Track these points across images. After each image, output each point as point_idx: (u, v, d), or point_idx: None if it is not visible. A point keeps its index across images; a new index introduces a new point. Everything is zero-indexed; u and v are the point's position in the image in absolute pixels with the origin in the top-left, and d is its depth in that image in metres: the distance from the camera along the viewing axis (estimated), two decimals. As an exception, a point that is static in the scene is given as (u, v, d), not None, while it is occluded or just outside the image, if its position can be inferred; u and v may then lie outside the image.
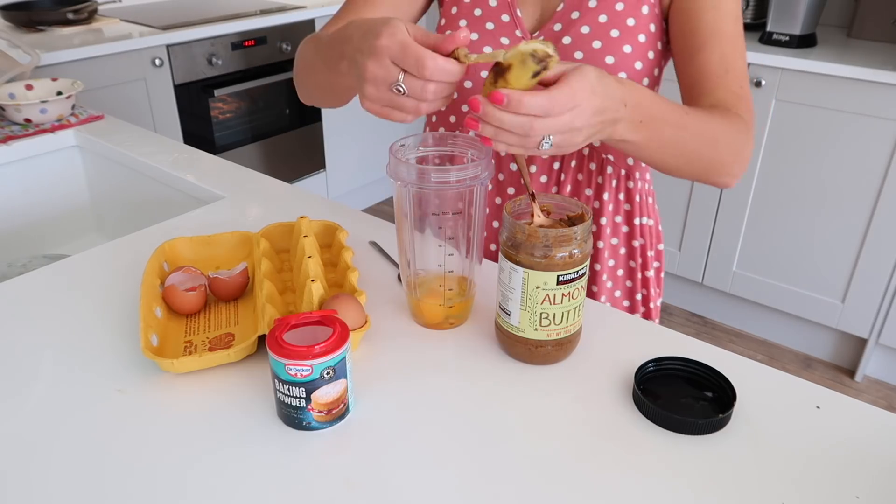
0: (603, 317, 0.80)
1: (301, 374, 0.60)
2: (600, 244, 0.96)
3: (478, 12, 0.90)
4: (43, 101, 1.32)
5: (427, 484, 0.58)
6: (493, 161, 0.72)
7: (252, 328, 0.77)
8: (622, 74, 0.84)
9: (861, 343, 2.19)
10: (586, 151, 0.91)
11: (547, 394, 0.68)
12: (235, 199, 1.08)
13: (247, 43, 2.43)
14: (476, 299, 0.79)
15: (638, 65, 0.84)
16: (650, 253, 0.99)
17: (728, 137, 0.78)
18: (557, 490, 0.57)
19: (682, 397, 0.67)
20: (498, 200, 0.96)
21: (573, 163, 0.92)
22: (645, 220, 0.97)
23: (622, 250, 0.98)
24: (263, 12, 2.49)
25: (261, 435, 0.63)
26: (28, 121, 1.33)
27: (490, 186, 0.96)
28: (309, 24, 2.59)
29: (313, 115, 2.77)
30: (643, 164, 0.93)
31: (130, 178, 1.28)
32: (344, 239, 0.88)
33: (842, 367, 2.28)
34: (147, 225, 1.01)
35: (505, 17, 0.89)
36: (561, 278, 0.66)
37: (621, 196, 0.94)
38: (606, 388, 0.68)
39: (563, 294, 0.67)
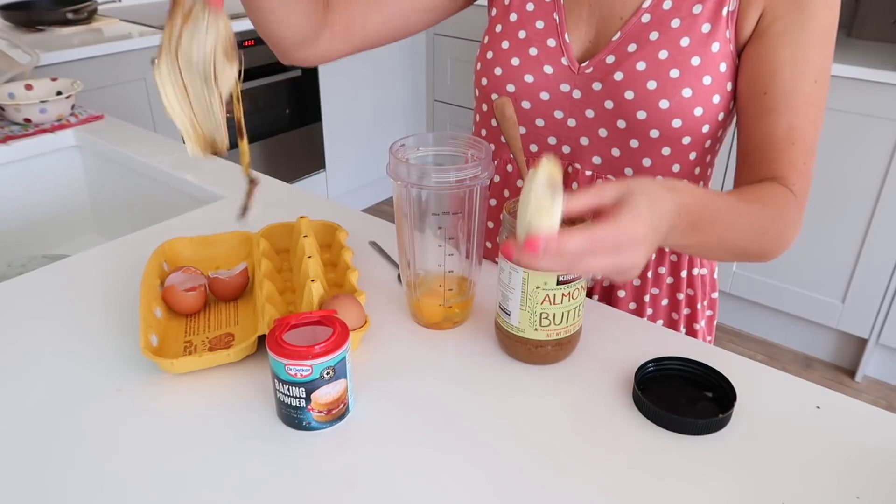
0: (603, 317, 0.80)
1: (301, 374, 0.60)
2: (645, 298, 0.89)
3: (522, 34, 0.82)
4: (42, 101, 1.32)
5: (427, 484, 0.58)
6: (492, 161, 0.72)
7: (252, 328, 0.77)
8: (677, 121, 0.75)
9: (861, 343, 2.19)
10: (600, 182, 0.83)
11: (547, 394, 0.68)
12: (235, 199, 1.08)
13: (247, 43, 2.43)
14: (476, 299, 0.79)
15: (698, 111, 0.75)
16: (702, 304, 0.90)
17: (777, 228, 0.72)
18: (557, 490, 0.57)
19: (682, 397, 0.67)
20: (493, 202, 0.96)
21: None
22: (696, 270, 0.89)
23: (664, 301, 0.90)
24: (263, 12, 2.48)
25: (261, 435, 0.63)
26: (28, 121, 1.33)
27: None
28: (309, 24, 2.59)
29: (313, 115, 2.77)
30: None
31: (130, 178, 1.28)
32: (344, 239, 0.88)
33: (842, 367, 2.28)
34: (147, 225, 1.01)
35: (551, 42, 0.81)
36: (561, 278, 0.66)
37: (667, 247, 0.86)
38: (606, 388, 0.68)
39: (563, 294, 0.66)
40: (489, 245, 0.99)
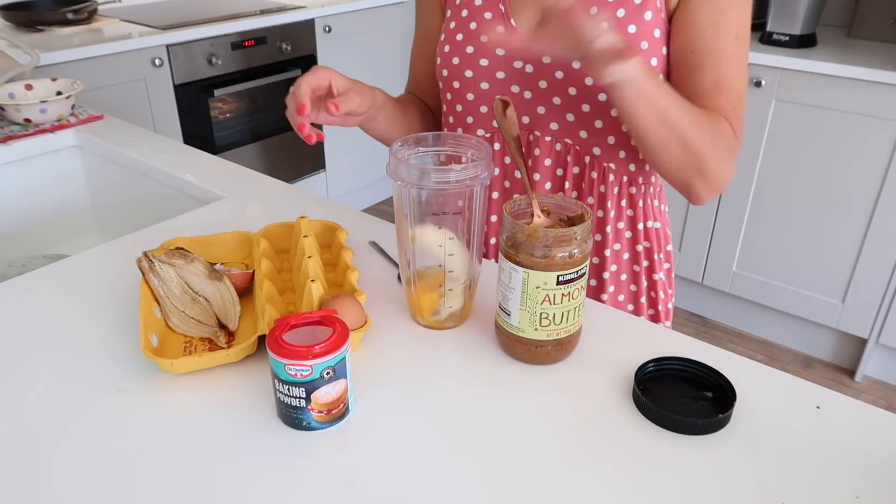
0: (603, 317, 0.80)
1: (301, 375, 0.60)
2: (606, 252, 0.95)
3: (473, 26, 0.90)
4: (43, 101, 1.32)
5: (427, 484, 0.58)
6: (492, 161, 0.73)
7: (252, 328, 0.77)
8: None
9: (861, 343, 2.19)
10: (587, 160, 0.90)
11: (547, 394, 0.68)
12: (235, 199, 1.08)
13: (247, 43, 2.43)
14: (476, 299, 0.79)
15: None
16: (658, 256, 0.97)
17: (714, 134, 0.79)
18: (557, 490, 0.57)
19: (682, 397, 0.67)
20: (495, 195, 0.97)
21: (576, 169, 0.92)
22: (650, 223, 0.96)
23: (626, 255, 0.97)
24: (263, 12, 2.49)
25: (260, 435, 0.63)
26: (28, 121, 1.33)
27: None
28: (309, 24, 2.59)
29: (313, 115, 2.77)
30: (646, 168, 0.93)
31: (130, 178, 1.28)
32: (344, 239, 0.88)
33: (842, 367, 2.28)
34: (147, 225, 1.01)
35: (500, 29, 0.88)
36: (561, 278, 0.66)
37: (623, 203, 0.93)
38: (606, 388, 0.68)
39: (563, 294, 0.66)
40: (493, 241, 0.99)
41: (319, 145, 2.84)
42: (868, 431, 0.63)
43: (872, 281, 2.05)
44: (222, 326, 0.77)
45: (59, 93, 1.42)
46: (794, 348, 2.36)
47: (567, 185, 0.92)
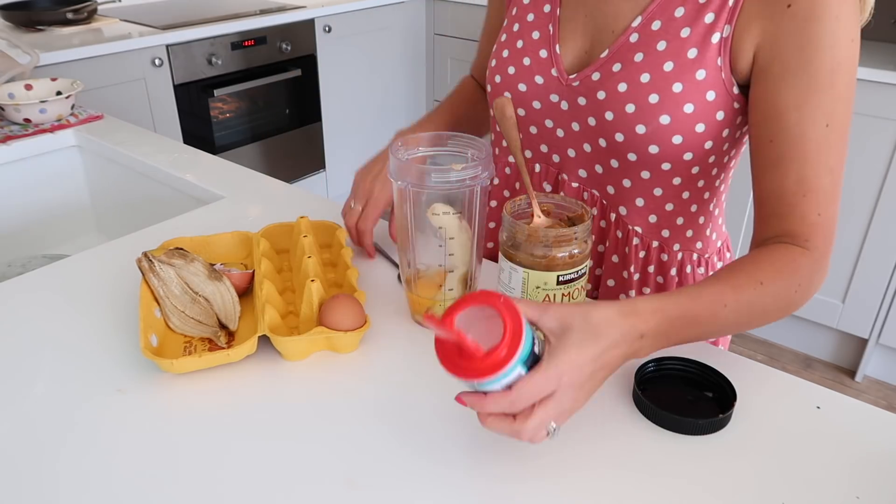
0: (603, 317, 0.79)
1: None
2: (631, 293, 0.86)
3: (519, 44, 0.83)
4: (42, 101, 1.32)
5: (427, 484, 0.58)
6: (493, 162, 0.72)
7: (252, 328, 0.77)
8: (653, 147, 0.73)
9: (861, 343, 2.19)
10: (613, 217, 0.82)
11: (547, 394, 0.68)
12: (235, 199, 1.08)
13: (247, 43, 2.43)
14: (476, 299, 0.79)
15: (676, 139, 0.72)
16: None
17: (785, 298, 0.67)
18: (557, 490, 0.57)
19: (682, 397, 0.67)
20: (493, 203, 0.96)
21: (602, 223, 0.85)
22: (689, 269, 0.85)
23: None
24: (263, 12, 2.49)
25: (260, 435, 0.63)
26: (27, 121, 1.33)
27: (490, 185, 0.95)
28: (309, 24, 2.59)
29: (313, 115, 2.77)
30: (688, 235, 0.82)
31: (130, 178, 1.28)
32: (343, 239, 0.88)
33: (842, 367, 2.28)
34: (147, 225, 1.01)
35: (543, 53, 0.81)
36: (561, 278, 0.66)
37: (651, 268, 0.84)
38: (606, 388, 0.68)
39: (563, 294, 0.66)
40: (490, 245, 0.99)
41: (319, 145, 2.84)
42: (868, 431, 0.63)
43: (872, 281, 2.05)
44: (223, 326, 0.77)
45: (58, 93, 1.41)
46: (794, 348, 2.35)
47: (591, 238, 0.86)
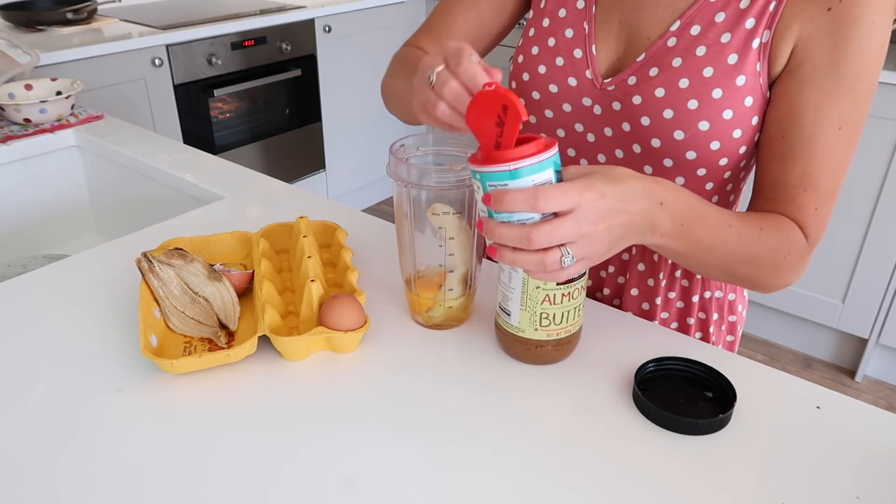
0: (603, 317, 0.80)
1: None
2: (654, 322, 0.86)
3: (551, 42, 0.80)
4: (42, 101, 1.32)
5: (427, 484, 0.58)
6: None
7: (252, 328, 0.77)
8: (691, 153, 0.73)
9: (861, 343, 2.19)
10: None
11: (547, 394, 0.68)
12: (235, 199, 1.08)
13: (247, 43, 2.43)
14: (476, 299, 0.79)
15: (714, 145, 0.72)
16: (719, 327, 0.87)
17: (774, 258, 0.69)
18: (557, 490, 0.57)
19: (682, 397, 0.67)
20: None
21: None
22: (709, 293, 0.86)
23: (674, 325, 0.88)
24: (263, 12, 2.49)
25: (260, 435, 0.63)
26: (27, 121, 1.33)
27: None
28: (309, 24, 2.59)
29: (313, 115, 2.77)
30: None
31: (130, 178, 1.28)
32: (343, 239, 0.88)
33: (842, 367, 2.28)
34: (147, 225, 1.01)
35: (578, 53, 0.78)
36: (561, 278, 0.66)
37: (678, 273, 0.85)
38: (606, 388, 0.68)
39: (563, 294, 0.66)
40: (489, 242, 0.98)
41: (319, 145, 2.84)
42: (868, 431, 0.63)
43: (872, 281, 2.05)
44: (223, 326, 0.77)
45: (58, 93, 1.41)
46: (794, 348, 2.35)
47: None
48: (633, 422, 0.64)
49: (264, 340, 0.72)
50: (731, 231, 0.66)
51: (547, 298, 0.66)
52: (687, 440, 0.62)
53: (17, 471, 0.59)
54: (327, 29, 2.66)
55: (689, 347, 0.75)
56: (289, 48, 2.56)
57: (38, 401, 0.67)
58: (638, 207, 0.57)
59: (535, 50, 0.81)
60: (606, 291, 0.90)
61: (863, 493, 0.57)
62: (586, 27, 0.78)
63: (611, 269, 0.89)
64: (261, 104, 2.60)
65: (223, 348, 0.74)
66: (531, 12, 0.84)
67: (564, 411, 0.66)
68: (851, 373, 2.24)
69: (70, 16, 2.27)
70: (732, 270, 0.69)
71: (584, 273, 0.67)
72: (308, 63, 2.65)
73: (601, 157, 0.81)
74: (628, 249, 0.87)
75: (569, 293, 0.67)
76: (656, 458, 0.60)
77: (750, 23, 0.69)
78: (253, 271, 0.82)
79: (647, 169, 0.78)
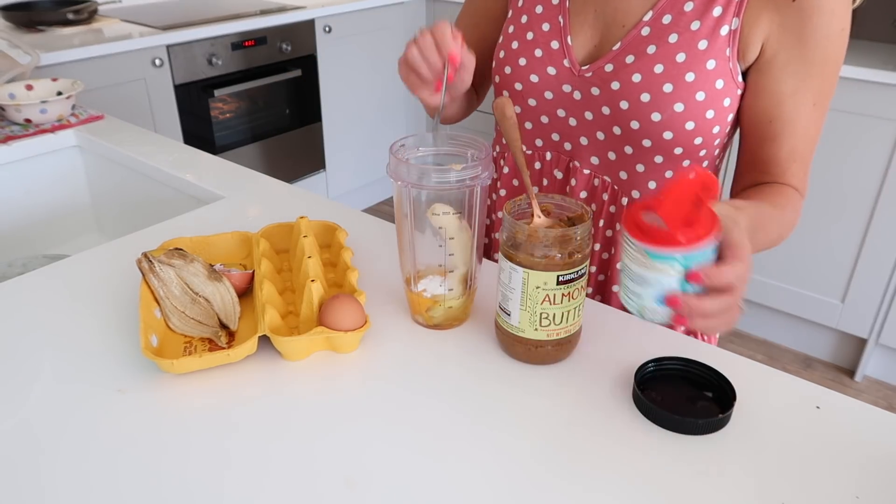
0: (603, 317, 0.80)
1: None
2: (615, 288, 0.89)
3: (529, 36, 0.85)
4: (43, 102, 1.32)
5: (427, 483, 0.58)
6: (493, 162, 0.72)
7: (252, 328, 0.77)
8: (668, 134, 0.78)
9: (861, 343, 2.19)
10: (625, 201, 0.86)
11: (547, 393, 0.68)
12: (235, 199, 1.08)
13: (247, 43, 2.43)
14: (476, 299, 0.79)
15: (689, 125, 0.78)
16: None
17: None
18: (557, 490, 0.57)
19: (682, 397, 0.67)
20: (492, 195, 0.96)
21: (612, 208, 0.87)
22: None
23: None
24: (263, 12, 2.49)
25: (260, 435, 0.63)
26: (28, 121, 1.33)
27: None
28: (309, 24, 2.59)
29: (313, 115, 2.77)
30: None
31: (130, 178, 1.28)
32: (343, 239, 0.88)
33: (842, 367, 2.28)
34: (147, 225, 1.01)
35: (555, 45, 0.84)
36: (561, 278, 0.66)
37: None
38: (606, 388, 0.68)
39: (563, 294, 0.67)
40: (488, 241, 0.99)
41: (319, 145, 2.84)
42: (868, 431, 0.63)
43: (872, 281, 2.05)
44: (223, 326, 0.77)
45: (59, 93, 1.42)
46: (794, 348, 2.36)
47: (601, 222, 0.89)
48: (633, 422, 0.64)
49: (264, 340, 0.72)
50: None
51: (547, 298, 0.67)
52: (687, 440, 0.62)
53: (17, 470, 0.59)
54: (327, 29, 2.66)
55: (689, 347, 0.75)
56: (289, 48, 2.56)
57: (38, 400, 0.67)
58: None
59: (514, 45, 0.87)
60: (589, 290, 0.92)
61: (862, 493, 0.57)
62: (561, 20, 0.84)
63: (592, 268, 0.90)
64: (261, 104, 2.60)
65: (223, 348, 0.74)
66: (510, 12, 0.90)
67: (564, 411, 0.66)
68: (851, 373, 2.24)
69: (71, 16, 2.27)
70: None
71: (584, 273, 0.68)
72: (308, 63, 2.65)
73: (583, 140, 0.86)
74: (607, 248, 0.90)
75: (569, 293, 0.67)
76: (656, 458, 0.60)
77: (717, 11, 0.76)
78: (253, 271, 0.82)
79: (627, 149, 0.83)
